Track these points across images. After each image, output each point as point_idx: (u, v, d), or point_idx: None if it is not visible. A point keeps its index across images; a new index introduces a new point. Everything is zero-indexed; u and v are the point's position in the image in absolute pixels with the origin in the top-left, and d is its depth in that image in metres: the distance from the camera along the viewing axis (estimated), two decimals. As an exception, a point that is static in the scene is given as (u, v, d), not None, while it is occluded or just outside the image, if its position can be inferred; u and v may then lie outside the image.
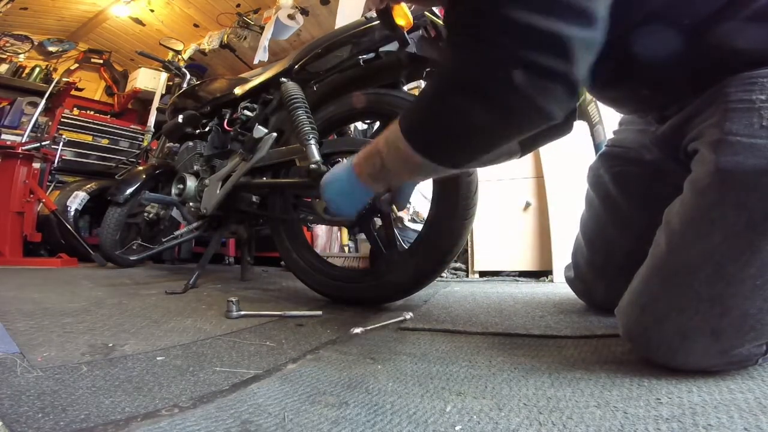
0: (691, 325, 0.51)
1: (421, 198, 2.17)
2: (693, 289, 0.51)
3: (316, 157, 1.06)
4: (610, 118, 1.77)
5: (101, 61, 4.09)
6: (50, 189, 2.77)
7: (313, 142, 1.08)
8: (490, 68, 0.47)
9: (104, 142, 3.25)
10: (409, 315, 0.91)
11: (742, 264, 0.48)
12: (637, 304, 0.58)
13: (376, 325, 0.84)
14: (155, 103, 3.39)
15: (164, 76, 3.60)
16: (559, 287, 1.41)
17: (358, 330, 0.79)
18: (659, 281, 0.56)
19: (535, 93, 0.46)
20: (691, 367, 0.53)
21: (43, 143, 2.55)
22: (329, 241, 2.35)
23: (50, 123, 3.15)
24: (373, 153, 0.67)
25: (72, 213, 2.44)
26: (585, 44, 0.45)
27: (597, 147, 1.77)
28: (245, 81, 1.52)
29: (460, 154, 0.58)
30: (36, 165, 2.51)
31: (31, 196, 2.33)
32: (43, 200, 2.36)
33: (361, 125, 1.47)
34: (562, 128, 0.80)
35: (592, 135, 1.86)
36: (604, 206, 0.91)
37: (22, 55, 3.67)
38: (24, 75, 3.63)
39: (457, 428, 0.41)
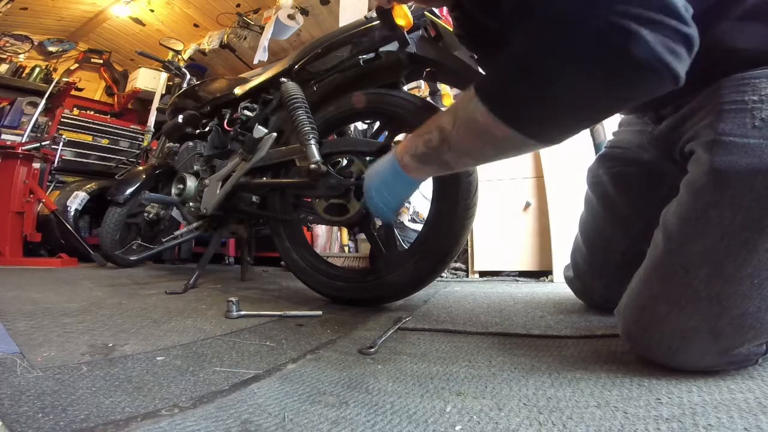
0: (691, 325, 0.52)
1: (421, 198, 2.18)
2: (692, 288, 0.51)
3: (316, 157, 1.06)
4: (610, 119, 1.77)
5: (101, 61, 4.09)
6: (50, 189, 2.77)
7: (313, 142, 1.08)
8: (610, 24, 0.42)
9: (104, 142, 3.25)
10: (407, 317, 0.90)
11: (739, 263, 0.49)
12: (636, 304, 0.58)
13: (384, 337, 0.78)
14: (155, 103, 3.39)
15: (164, 76, 3.60)
16: (559, 287, 1.41)
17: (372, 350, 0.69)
18: (658, 281, 0.56)
19: (663, 51, 0.43)
20: (691, 367, 0.53)
21: (43, 143, 2.55)
22: (329, 241, 2.35)
23: (50, 123, 3.15)
24: (426, 132, 0.62)
25: (72, 213, 2.45)
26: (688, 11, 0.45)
27: (597, 147, 1.77)
28: (245, 81, 1.52)
29: (559, 125, 0.52)
30: (36, 165, 2.51)
31: (31, 196, 2.33)
32: (43, 200, 2.36)
33: (361, 125, 1.47)
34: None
35: (592, 135, 1.87)
36: (603, 206, 0.91)
37: (22, 55, 3.67)
38: (24, 75, 3.63)
39: (457, 428, 0.41)
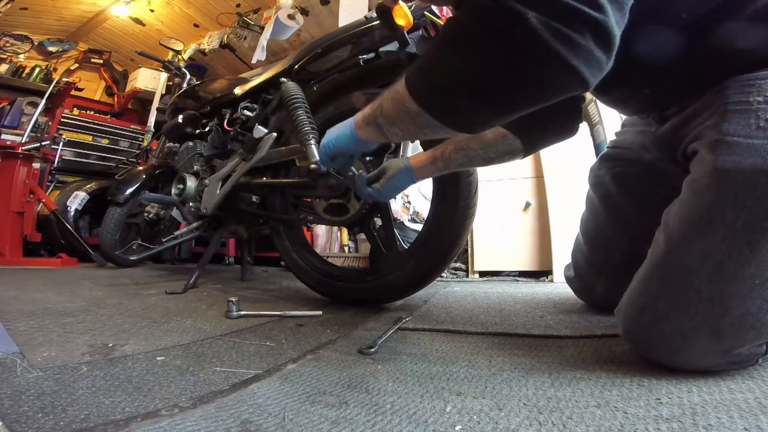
0: (692, 325, 0.51)
1: (421, 198, 2.18)
2: (693, 288, 0.51)
3: (316, 157, 1.06)
4: (610, 119, 1.77)
5: (101, 61, 4.09)
6: (50, 189, 2.77)
7: (313, 142, 1.08)
8: (501, 9, 0.39)
9: (104, 142, 3.25)
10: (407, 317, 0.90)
11: (741, 263, 0.48)
12: (637, 304, 0.58)
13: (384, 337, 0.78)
14: (155, 103, 3.39)
15: (164, 76, 3.60)
16: (559, 287, 1.41)
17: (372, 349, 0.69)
18: (659, 281, 0.56)
19: (554, 40, 0.38)
20: (691, 367, 0.53)
21: (43, 143, 2.55)
22: (329, 241, 2.35)
23: (50, 123, 3.15)
24: (376, 99, 0.65)
25: (72, 213, 2.45)
26: None
27: (597, 147, 1.77)
28: (245, 81, 1.52)
29: (458, 111, 0.51)
30: (36, 165, 2.51)
31: (31, 196, 2.33)
32: (43, 200, 2.36)
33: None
34: (566, 129, 0.80)
35: (592, 135, 1.86)
36: (604, 206, 0.91)
37: (22, 55, 3.67)
38: (24, 75, 3.63)
39: (457, 428, 0.41)
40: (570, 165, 1.70)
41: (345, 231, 2.23)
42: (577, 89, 0.43)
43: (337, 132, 0.76)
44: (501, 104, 0.48)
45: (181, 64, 2.83)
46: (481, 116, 0.50)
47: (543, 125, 0.77)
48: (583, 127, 1.83)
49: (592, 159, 1.75)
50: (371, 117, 0.66)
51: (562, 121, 0.78)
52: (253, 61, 2.98)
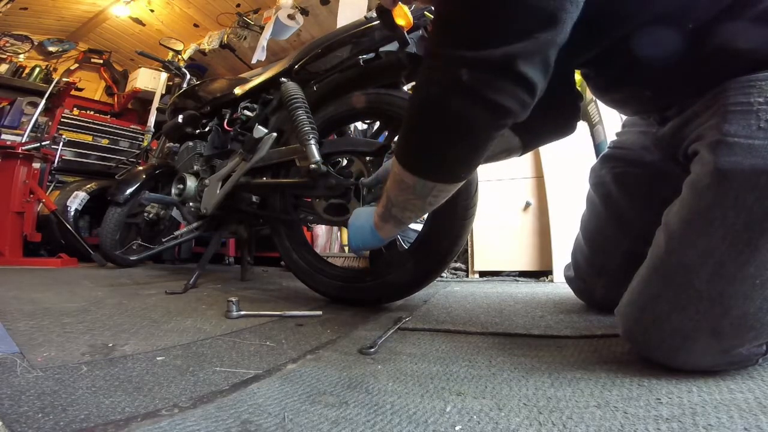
0: (692, 325, 0.52)
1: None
2: (693, 288, 0.51)
3: (316, 157, 1.06)
4: (610, 119, 1.77)
5: (101, 61, 4.09)
6: (50, 189, 2.77)
7: (313, 142, 1.08)
8: (443, 75, 0.51)
9: (104, 142, 3.25)
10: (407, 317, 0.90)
11: (741, 263, 0.48)
12: (637, 304, 0.58)
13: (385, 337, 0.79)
14: (155, 103, 3.39)
15: (164, 76, 3.60)
16: (559, 287, 1.41)
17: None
18: (659, 281, 0.56)
19: (481, 87, 0.49)
20: (691, 367, 0.53)
21: (43, 143, 2.55)
22: (329, 241, 2.35)
23: (50, 123, 3.15)
24: (383, 197, 0.70)
25: (72, 213, 2.45)
26: (540, 45, 0.48)
27: (597, 147, 1.77)
28: (245, 81, 1.52)
29: (442, 164, 0.59)
30: (36, 165, 2.51)
31: (31, 196, 2.33)
32: (43, 200, 2.36)
33: (361, 125, 1.48)
34: (564, 127, 0.80)
35: (592, 135, 1.87)
36: (605, 206, 0.91)
37: (22, 55, 3.67)
38: (24, 75, 3.63)
39: (457, 428, 0.41)
40: (570, 165, 1.70)
41: (345, 231, 2.23)
42: (510, 119, 0.53)
43: (362, 237, 0.78)
44: (463, 151, 0.57)
45: (181, 64, 2.84)
46: (457, 165, 0.59)
47: (542, 123, 0.77)
48: (584, 127, 1.83)
49: (592, 159, 1.75)
50: (386, 213, 0.70)
51: (560, 120, 0.79)
52: (253, 61, 2.98)
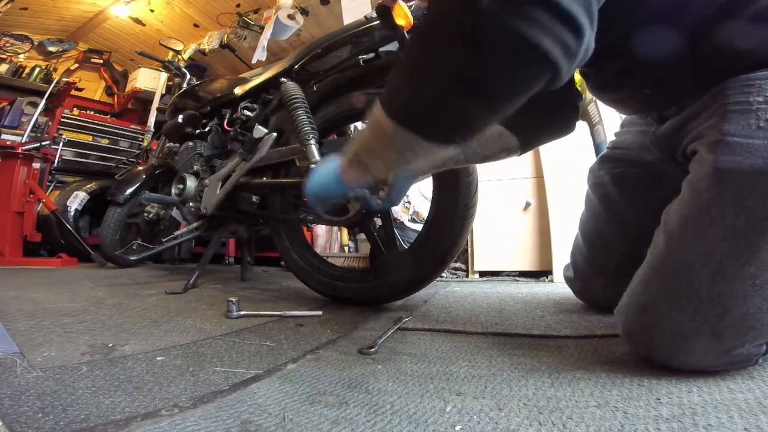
0: (692, 325, 0.52)
1: (421, 198, 2.17)
2: (693, 288, 0.51)
3: (316, 157, 1.06)
4: (610, 119, 1.77)
5: (101, 61, 4.09)
6: (50, 189, 2.77)
7: (313, 142, 1.08)
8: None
9: (104, 142, 3.25)
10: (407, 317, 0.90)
11: (741, 263, 0.48)
12: (637, 304, 0.58)
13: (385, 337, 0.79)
14: (155, 103, 3.39)
15: (164, 76, 3.60)
16: (559, 287, 1.41)
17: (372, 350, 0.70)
18: (659, 281, 0.56)
19: (508, 15, 0.35)
20: (691, 368, 0.53)
21: (43, 143, 2.55)
22: (329, 241, 2.35)
23: (50, 123, 3.15)
24: (356, 135, 0.62)
25: (72, 213, 2.45)
26: None
27: (597, 147, 1.77)
28: (245, 81, 1.52)
29: (433, 118, 0.45)
30: (36, 165, 2.51)
31: (31, 196, 2.33)
32: (43, 200, 2.36)
33: (361, 125, 1.47)
34: (563, 127, 0.80)
35: (592, 135, 1.87)
36: (604, 206, 0.91)
37: (22, 55, 3.67)
38: (24, 75, 3.63)
39: (457, 428, 0.41)
40: (570, 165, 1.70)
41: (345, 231, 2.23)
42: (548, 71, 0.38)
43: (321, 177, 0.66)
44: (484, 100, 0.42)
45: (181, 64, 2.83)
46: (463, 124, 0.45)
47: (540, 123, 0.77)
48: (584, 127, 1.83)
49: (592, 159, 1.74)
50: (353, 156, 0.60)
51: (560, 119, 0.78)
52: (254, 61, 2.98)
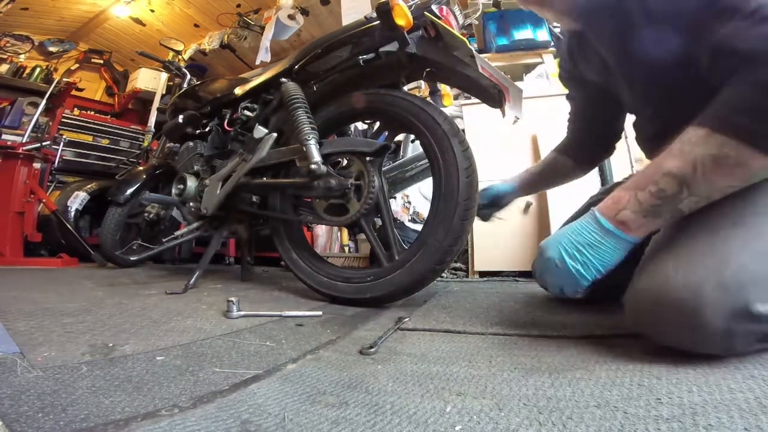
0: (696, 280, 0.53)
1: (421, 198, 2.17)
2: (695, 249, 0.56)
3: (316, 157, 1.06)
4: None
5: (102, 62, 4.10)
6: (51, 189, 2.77)
7: (313, 142, 1.08)
8: None
9: (105, 142, 3.25)
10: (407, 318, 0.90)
11: (730, 227, 0.55)
12: (641, 289, 0.60)
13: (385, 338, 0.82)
14: (155, 104, 3.39)
15: (164, 76, 3.61)
16: (559, 287, 1.41)
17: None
18: (666, 253, 0.59)
19: None
20: (705, 346, 0.54)
21: (44, 143, 2.55)
22: (329, 241, 2.35)
23: (51, 123, 3.16)
24: (650, 182, 0.58)
25: (72, 213, 2.45)
26: None
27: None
28: (245, 81, 1.52)
29: None
30: (36, 165, 2.52)
31: (32, 196, 2.33)
32: (44, 200, 2.37)
33: (361, 125, 1.48)
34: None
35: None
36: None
37: (22, 56, 3.68)
38: (24, 75, 3.63)
39: (457, 428, 0.40)
40: (570, 165, 1.69)
41: (345, 231, 2.23)
42: None
43: (592, 248, 0.62)
44: None
45: (182, 64, 2.84)
46: None
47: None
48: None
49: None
50: (665, 207, 0.58)
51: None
52: (257, 62, 2.99)
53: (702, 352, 0.55)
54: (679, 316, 0.53)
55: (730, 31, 0.53)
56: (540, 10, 0.87)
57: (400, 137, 1.37)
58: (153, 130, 3.03)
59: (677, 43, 0.62)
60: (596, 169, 1.72)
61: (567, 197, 1.69)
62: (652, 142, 0.83)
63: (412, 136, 1.42)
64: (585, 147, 1.10)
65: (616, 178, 1.67)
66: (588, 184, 1.72)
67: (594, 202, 0.98)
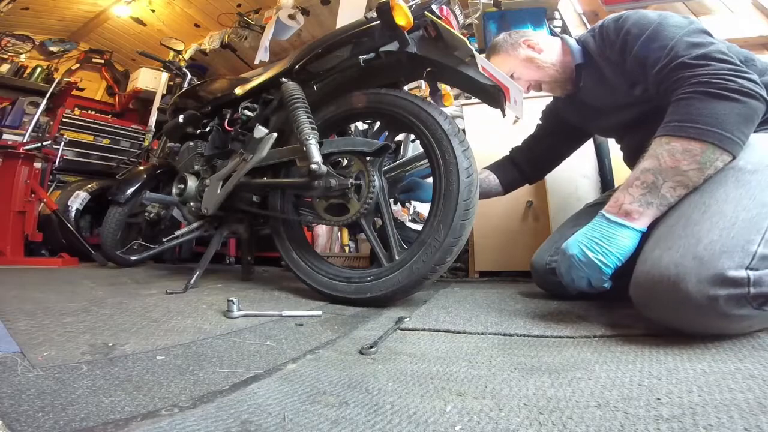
0: (676, 258, 0.63)
1: (421, 198, 2.17)
2: (674, 234, 0.66)
3: (317, 157, 1.06)
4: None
5: (102, 61, 4.10)
6: (51, 189, 2.77)
7: (313, 142, 1.08)
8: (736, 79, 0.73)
9: (105, 142, 3.25)
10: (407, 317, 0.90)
11: (702, 211, 0.68)
12: (644, 273, 0.67)
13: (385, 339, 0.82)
14: (156, 103, 3.40)
15: (165, 76, 3.61)
16: (559, 287, 1.41)
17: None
18: (661, 238, 0.69)
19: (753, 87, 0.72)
20: (693, 323, 0.63)
21: (45, 143, 2.55)
22: (329, 241, 2.35)
23: (51, 123, 3.16)
24: (633, 180, 0.77)
25: (73, 213, 2.45)
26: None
27: (597, 148, 1.77)
28: (246, 81, 1.52)
29: (729, 131, 0.70)
30: (37, 165, 2.51)
31: (33, 195, 2.33)
32: (45, 200, 2.37)
33: (361, 125, 1.47)
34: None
35: (593, 136, 1.86)
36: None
37: (23, 55, 3.69)
38: (25, 75, 3.64)
39: (457, 428, 0.40)
40: (570, 165, 1.69)
41: (345, 231, 2.23)
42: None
43: (607, 240, 0.77)
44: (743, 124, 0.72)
45: (182, 64, 2.84)
46: (734, 134, 0.71)
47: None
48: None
49: (592, 159, 1.75)
50: (652, 194, 0.75)
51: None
52: (256, 61, 2.99)
53: (700, 328, 0.63)
54: (668, 291, 0.62)
55: (671, 69, 0.79)
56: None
57: (400, 137, 1.37)
58: (153, 129, 3.03)
59: (639, 88, 0.91)
60: (598, 174, 1.74)
61: (567, 197, 1.69)
62: (631, 159, 1.08)
63: (412, 136, 1.42)
64: (533, 162, 1.38)
65: (617, 182, 1.68)
66: (589, 187, 1.72)
67: (593, 205, 1.05)
